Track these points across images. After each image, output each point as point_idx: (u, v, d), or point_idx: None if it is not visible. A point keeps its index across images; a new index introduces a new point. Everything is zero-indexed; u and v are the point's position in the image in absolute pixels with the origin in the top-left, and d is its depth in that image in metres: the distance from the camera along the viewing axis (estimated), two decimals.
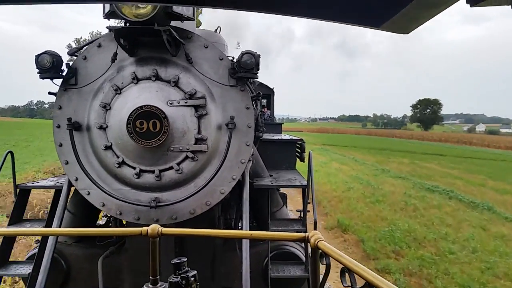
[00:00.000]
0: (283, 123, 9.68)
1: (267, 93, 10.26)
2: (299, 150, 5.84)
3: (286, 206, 5.99)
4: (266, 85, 9.99)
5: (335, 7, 1.13)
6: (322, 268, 1.91)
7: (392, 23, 1.20)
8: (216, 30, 5.42)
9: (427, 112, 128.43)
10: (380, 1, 1.14)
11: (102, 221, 5.96)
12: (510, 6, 0.84)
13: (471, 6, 0.89)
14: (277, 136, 6.41)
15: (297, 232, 3.83)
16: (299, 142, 5.85)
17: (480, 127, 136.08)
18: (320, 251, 1.80)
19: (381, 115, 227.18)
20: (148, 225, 2.15)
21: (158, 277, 2.10)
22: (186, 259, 1.96)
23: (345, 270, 1.66)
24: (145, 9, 3.00)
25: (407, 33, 1.32)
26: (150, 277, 2.08)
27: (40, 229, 3.56)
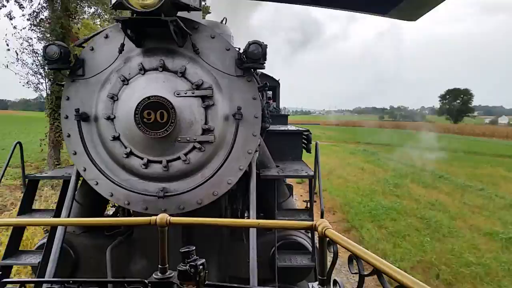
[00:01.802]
0: (289, 115, 9.64)
1: (273, 85, 10.19)
2: (305, 141, 5.84)
3: (292, 197, 6.00)
4: (272, 77, 9.91)
5: None
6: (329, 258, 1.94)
7: (399, 10, 1.19)
8: (222, 21, 5.40)
9: (457, 103, 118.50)
10: None
11: (110, 211, 6.03)
12: None
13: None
14: (283, 127, 6.41)
15: (303, 221, 3.85)
16: (306, 133, 5.85)
17: (503, 119, 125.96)
18: (328, 239, 1.81)
19: (398, 107, 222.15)
20: (156, 215, 2.18)
21: (167, 265, 2.12)
22: (194, 247, 1.99)
23: (353, 258, 1.67)
24: (152, 0, 3.00)
25: (414, 20, 1.32)
26: (159, 266, 2.11)
27: (49, 219, 3.60)
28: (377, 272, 1.50)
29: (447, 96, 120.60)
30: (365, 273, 1.64)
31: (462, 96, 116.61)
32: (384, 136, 54.13)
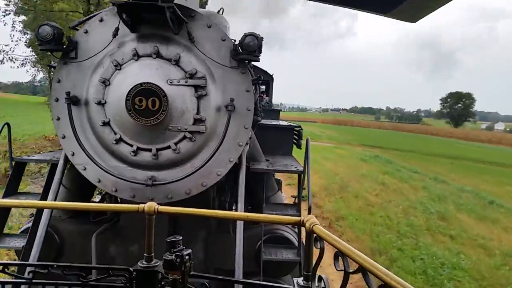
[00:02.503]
0: (281, 110, 9.60)
1: (266, 80, 10.12)
2: (296, 137, 5.84)
3: (281, 192, 6.01)
4: (266, 71, 9.85)
5: None
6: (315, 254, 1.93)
7: (399, 11, 1.19)
8: (219, 11, 5.34)
9: (458, 107, 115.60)
10: None
11: (96, 199, 5.98)
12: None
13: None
14: (275, 122, 6.41)
15: (292, 216, 3.87)
16: (297, 129, 5.85)
17: (499, 126, 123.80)
18: (315, 235, 1.82)
19: (395, 108, 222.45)
20: (144, 203, 2.16)
21: (153, 254, 2.11)
22: (181, 237, 1.98)
23: (339, 254, 1.68)
24: None
25: (414, 22, 1.32)
26: (145, 254, 2.10)
27: (35, 201, 3.56)
28: (362, 270, 1.51)
29: (448, 99, 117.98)
30: (351, 270, 1.65)
31: (463, 100, 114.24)
32: (391, 140, 51.14)
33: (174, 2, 3.22)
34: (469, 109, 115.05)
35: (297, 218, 1.98)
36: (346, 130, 71.80)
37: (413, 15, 1.13)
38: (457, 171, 26.74)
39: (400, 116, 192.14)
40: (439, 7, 1.05)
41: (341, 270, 1.69)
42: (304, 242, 3.87)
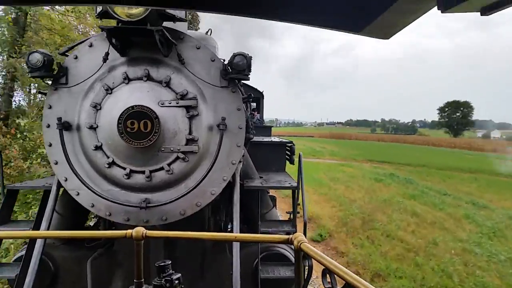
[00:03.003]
0: (272, 127, 9.68)
1: (257, 97, 10.24)
2: (288, 153, 5.85)
3: (276, 209, 5.98)
4: (256, 89, 9.98)
5: (315, 12, 1.16)
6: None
7: (371, 29, 1.22)
8: (207, 32, 5.43)
9: (457, 116, 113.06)
10: (359, 7, 1.16)
11: (92, 222, 5.93)
12: (479, 13, 0.87)
13: (442, 12, 0.92)
14: (267, 139, 6.43)
15: (287, 233, 3.85)
16: (289, 145, 5.87)
17: (495, 134, 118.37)
18: (303, 252, 1.81)
19: (390, 120, 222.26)
20: (137, 226, 2.15)
21: (143, 280, 2.09)
22: (170, 262, 1.96)
23: (326, 272, 1.67)
24: (138, 9, 3.01)
25: (387, 39, 1.35)
26: (135, 280, 2.08)
27: (28, 232, 3.53)
28: (348, 286, 1.51)
29: (446, 109, 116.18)
30: (338, 287, 1.64)
31: (462, 108, 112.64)
32: (396, 153, 47.05)
33: (162, 25, 3.28)
34: (468, 118, 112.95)
35: (285, 237, 1.97)
36: (346, 144, 67.51)
37: (385, 32, 1.15)
38: (488, 190, 22.38)
39: (396, 128, 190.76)
40: (411, 23, 1.08)
41: (328, 287, 1.68)
42: None
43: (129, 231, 2.05)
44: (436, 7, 0.93)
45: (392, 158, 40.00)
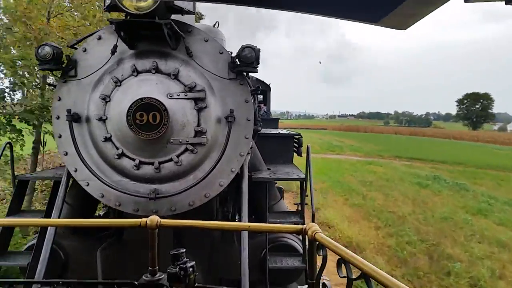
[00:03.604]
0: (279, 119, 9.69)
1: (264, 89, 10.23)
2: (296, 145, 5.87)
3: (283, 200, 6.01)
4: (263, 81, 9.98)
5: (332, 2, 1.15)
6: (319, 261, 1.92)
7: (389, 19, 1.22)
8: (214, 25, 5.42)
9: (476, 109, 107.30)
10: None
11: (101, 212, 5.98)
12: (503, 2, 0.86)
13: (465, 1, 0.91)
14: (274, 131, 6.44)
15: (295, 224, 3.88)
16: (297, 137, 5.89)
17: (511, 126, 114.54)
18: (317, 242, 1.83)
19: (403, 112, 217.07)
20: (147, 216, 2.17)
21: (157, 267, 2.12)
22: (184, 250, 1.99)
23: (341, 261, 1.69)
24: (146, 2, 3.01)
25: (405, 29, 1.34)
26: (149, 268, 2.11)
27: (40, 220, 3.58)
28: (365, 276, 1.52)
29: (465, 101, 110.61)
30: (354, 277, 1.65)
31: (481, 100, 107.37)
32: (420, 148, 42.04)
33: (171, 18, 3.28)
34: (488, 110, 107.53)
35: (299, 227, 1.99)
36: (363, 137, 61.49)
37: (403, 23, 1.14)
38: None
39: (409, 120, 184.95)
40: (429, 13, 1.07)
41: (344, 277, 1.70)
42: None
43: (144, 219, 2.08)
44: None
45: (420, 154, 35.37)
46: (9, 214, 3.88)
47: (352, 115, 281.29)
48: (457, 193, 17.93)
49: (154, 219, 2.07)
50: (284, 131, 6.44)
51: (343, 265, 1.69)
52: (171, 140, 3.44)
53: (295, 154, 5.93)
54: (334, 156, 32.94)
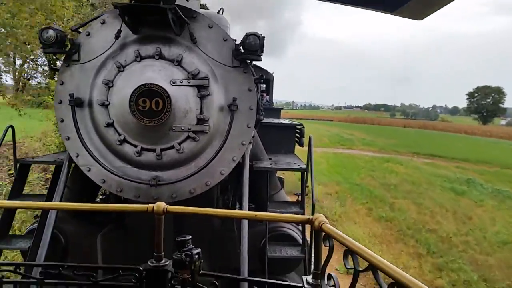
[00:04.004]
0: (282, 109, 9.66)
1: (267, 78, 10.17)
2: (298, 135, 5.87)
3: (284, 190, 6.03)
4: (266, 70, 9.92)
5: None
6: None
7: (406, 9, 1.20)
8: (219, 11, 5.36)
9: (487, 103, 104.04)
10: None
11: (99, 199, 5.99)
12: None
13: None
14: (276, 121, 6.44)
15: (295, 214, 3.90)
16: (299, 127, 5.89)
17: None
18: (324, 233, 1.83)
19: (410, 105, 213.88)
20: (148, 203, 2.17)
21: (163, 253, 2.14)
22: (190, 236, 2.00)
23: (348, 253, 1.69)
24: None
25: (421, 19, 1.33)
26: (155, 253, 2.13)
27: (42, 202, 3.58)
28: (372, 268, 1.53)
29: (476, 94, 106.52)
30: (360, 268, 1.66)
31: (492, 94, 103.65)
32: (436, 143, 38.36)
33: (175, 3, 3.24)
34: (499, 105, 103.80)
35: (306, 217, 2.00)
36: (372, 130, 57.70)
37: (420, 13, 1.13)
38: None
39: (415, 113, 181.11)
40: (447, 4, 1.06)
41: (350, 268, 1.70)
42: (308, 240, 3.89)
43: (150, 205, 2.08)
44: None
45: (439, 151, 32.22)
46: (11, 197, 3.88)
47: (358, 107, 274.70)
48: (502, 203, 14.61)
49: (160, 204, 2.08)
50: (286, 121, 6.43)
51: (349, 256, 1.69)
52: (173, 127, 3.43)
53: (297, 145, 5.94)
54: (345, 150, 30.83)
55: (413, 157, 29.27)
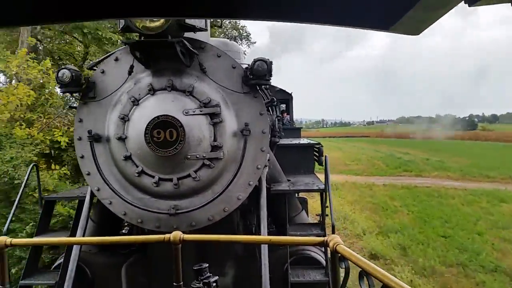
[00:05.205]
0: (302, 128, 9.72)
1: (286, 98, 10.39)
2: (317, 154, 5.84)
3: (307, 211, 5.95)
4: (284, 90, 10.15)
5: (340, 12, 1.15)
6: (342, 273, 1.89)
7: (400, 25, 1.21)
8: (230, 39, 5.50)
9: None
10: (386, 4, 1.16)
11: (125, 230, 6.08)
12: (510, 3, 0.84)
13: (469, 6, 0.90)
14: (295, 141, 6.43)
15: (317, 236, 3.83)
16: (317, 146, 5.86)
17: None
18: (339, 255, 1.80)
19: (446, 115, 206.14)
20: (168, 232, 2.19)
21: (182, 283, 2.14)
22: (207, 264, 2.00)
23: (363, 274, 1.66)
24: (159, 22, 3.08)
25: (417, 34, 1.33)
26: (174, 283, 2.13)
27: (64, 238, 3.66)
28: None
29: None
30: None
31: None
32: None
33: (184, 35, 3.34)
34: None
35: (320, 239, 1.97)
36: (427, 146, 47.36)
37: (414, 28, 1.13)
38: None
39: (453, 123, 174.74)
40: (440, 18, 1.05)
41: None
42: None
43: (167, 235, 2.10)
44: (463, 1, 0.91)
45: None
46: (38, 233, 3.99)
47: (391, 120, 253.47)
48: None
49: (177, 234, 2.10)
50: (304, 141, 6.42)
51: (365, 277, 1.66)
52: (188, 156, 3.47)
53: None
54: (416, 180, 21.73)
55: (493, 183, 20.33)
